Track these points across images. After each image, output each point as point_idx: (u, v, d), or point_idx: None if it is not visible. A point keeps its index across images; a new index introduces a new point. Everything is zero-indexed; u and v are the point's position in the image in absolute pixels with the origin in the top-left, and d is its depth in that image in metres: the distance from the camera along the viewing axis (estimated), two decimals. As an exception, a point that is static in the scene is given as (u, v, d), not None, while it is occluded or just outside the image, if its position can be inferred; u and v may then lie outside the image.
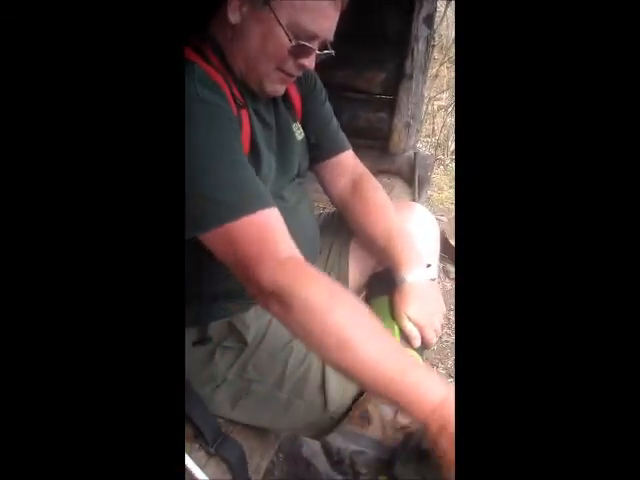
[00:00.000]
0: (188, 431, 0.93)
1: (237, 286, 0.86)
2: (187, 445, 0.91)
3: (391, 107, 2.57)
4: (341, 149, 1.17)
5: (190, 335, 0.97)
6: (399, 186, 2.63)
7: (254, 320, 0.98)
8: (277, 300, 0.75)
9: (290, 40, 0.85)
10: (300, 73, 0.93)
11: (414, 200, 2.62)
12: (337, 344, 0.73)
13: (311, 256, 1.04)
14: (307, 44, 0.87)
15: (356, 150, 1.25)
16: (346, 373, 0.76)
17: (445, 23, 5.82)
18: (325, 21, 0.87)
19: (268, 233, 0.78)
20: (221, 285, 0.94)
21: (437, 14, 2.94)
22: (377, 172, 2.41)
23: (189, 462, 0.88)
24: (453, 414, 0.65)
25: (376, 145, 2.61)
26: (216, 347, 0.97)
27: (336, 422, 0.94)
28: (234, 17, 0.87)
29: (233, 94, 0.88)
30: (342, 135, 1.19)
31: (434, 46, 3.24)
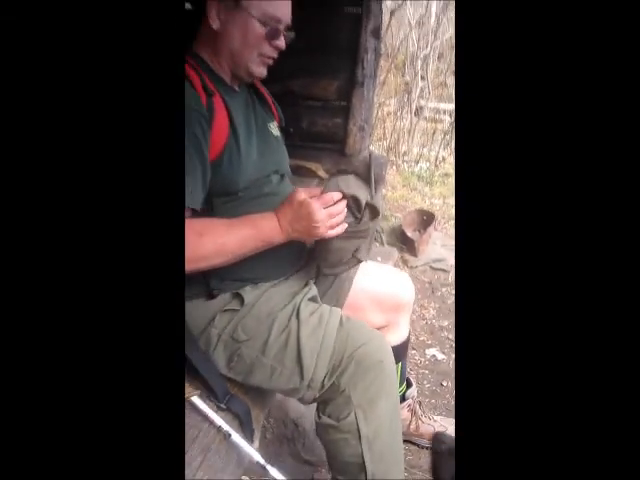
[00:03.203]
0: (201, 387, 1.10)
1: (245, 266, 1.06)
2: (201, 398, 1.08)
3: (345, 113, 2.68)
4: None
5: (196, 305, 1.14)
6: (357, 185, 2.81)
7: (250, 291, 1.16)
8: None
9: (264, 26, 1.08)
10: (276, 54, 1.15)
11: (371, 197, 2.82)
12: (215, 252, 1.03)
13: (291, 253, 1.23)
14: (277, 27, 1.10)
15: (316, 152, 1.43)
16: (233, 257, 1.06)
17: (390, 32, 6.10)
18: (284, 7, 1.12)
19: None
20: (229, 266, 1.10)
21: (382, 26, 3.16)
22: (337, 172, 2.61)
23: (209, 412, 1.05)
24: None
25: (334, 148, 2.73)
26: (217, 311, 1.13)
27: (317, 391, 1.08)
28: (215, 24, 1.09)
29: (204, 86, 1.07)
30: None
31: (381, 54, 3.46)
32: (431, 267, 2.97)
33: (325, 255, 1.20)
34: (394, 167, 5.11)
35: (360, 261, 1.23)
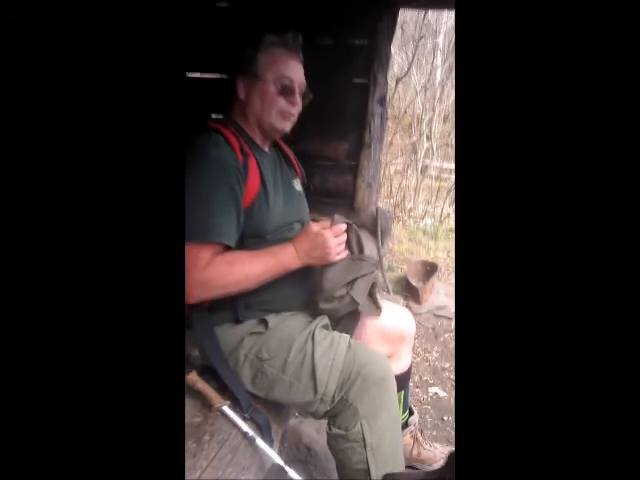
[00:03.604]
0: (221, 399, 1.28)
1: (267, 297, 1.27)
2: (231, 408, 1.26)
3: (355, 171, 2.94)
4: None
5: (226, 329, 1.35)
6: (365, 236, 3.04)
7: (273, 318, 1.36)
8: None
9: (278, 86, 1.34)
10: (294, 109, 1.39)
11: (378, 248, 3.03)
12: (243, 277, 1.25)
13: (304, 288, 1.43)
14: (286, 82, 1.35)
15: (327, 207, 1.67)
16: (257, 282, 1.28)
17: (397, 96, 6.49)
18: (295, 68, 1.38)
19: (200, 258, 1.20)
20: (254, 297, 1.32)
21: (389, 94, 3.48)
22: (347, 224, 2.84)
23: (237, 419, 1.23)
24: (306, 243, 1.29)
25: (344, 203, 2.97)
26: (245, 334, 1.34)
27: (328, 405, 1.27)
28: (242, 95, 1.37)
29: (241, 148, 1.31)
30: None
31: (387, 119, 3.76)
32: (434, 314, 3.16)
33: (321, 285, 1.37)
34: (400, 222, 5.36)
35: (356, 302, 1.40)
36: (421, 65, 7.07)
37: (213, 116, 2.88)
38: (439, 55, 7.28)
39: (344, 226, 1.34)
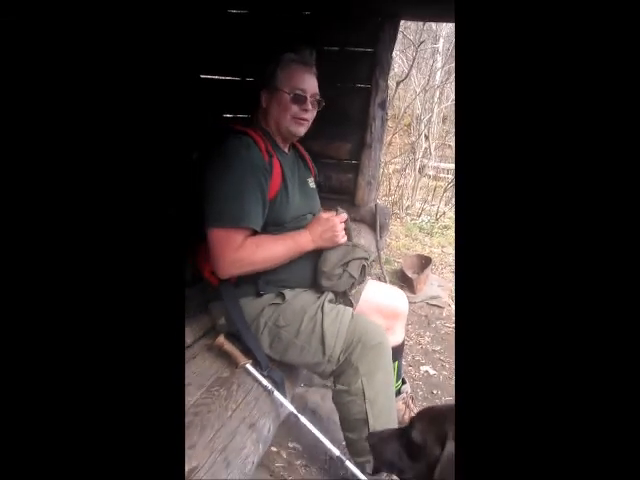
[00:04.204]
0: (245, 358, 1.52)
1: (283, 276, 1.52)
2: (252, 366, 1.51)
3: (356, 170, 3.17)
4: None
5: (248, 301, 1.60)
6: (364, 230, 3.27)
7: (289, 292, 1.61)
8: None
9: (289, 96, 1.57)
10: (307, 115, 1.63)
11: (376, 241, 3.27)
12: (267, 257, 1.51)
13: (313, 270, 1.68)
14: (299, 93, 1.59)
15: (330, 203, 1.92)
16: (279, 261, 1.54)
17: (397, 96, 6.71)
18: (308, 80, 1.62)
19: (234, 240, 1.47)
20: (272, 275, 1.57)
21: (390, 95, 3.71)
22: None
23: (258, 375, 1.48)
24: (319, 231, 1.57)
25: (345, 199, 3.18)
26: (266, 305, 1.59)
27: (334, 365, 1.53)
28: (264, 104, 1.61)
29: (267, 149, 1.55)
30: None
31: (387, 120, 3.99)
32: (427, 303, 3.42)
33: (322, 264, 1.62)
34: (398, 219, 5.60)
35: (353, 277, 1.65)
36: (421, 68, 7.30)
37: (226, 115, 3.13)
38: (439, 58, 7.52)
39: (346, 215, 1.63)
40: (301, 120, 1.63)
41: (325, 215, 1.59)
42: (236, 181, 1.45)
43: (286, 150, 1.70)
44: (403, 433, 1.19)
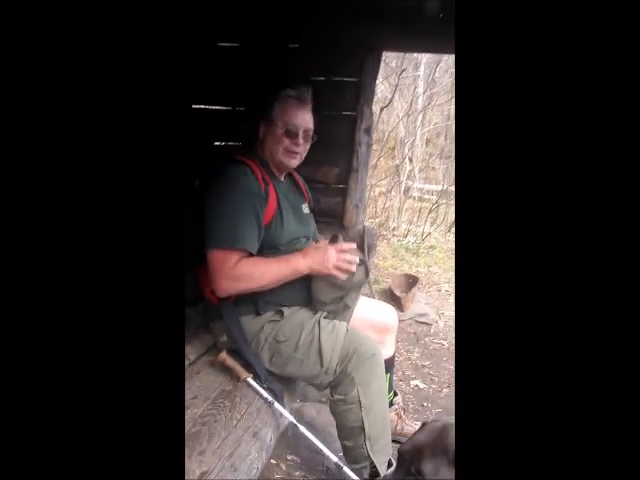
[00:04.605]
0: (246, 372, 1.61)
1: (280, 297, 1.62)
2: (253, 380, 1.60)
3: (344, 193, 3.27)
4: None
5: (248, 319, 1.69)
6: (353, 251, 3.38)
7: (287, 309, 1.71)
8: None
9: (282, 130, 1.68)
10: (298, 149, 1.73)
11: (364, 261, 3.38)
12: (261, 276, 1.58)
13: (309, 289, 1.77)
14: (292, 128, 1.70)
15: (319, 226, 2.03)
16: (273, 281, 1.60)
17: (381, 120, 6.90)
18: (301, 116, 1.72)
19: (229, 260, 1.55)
20: (271, 296, 1.67)
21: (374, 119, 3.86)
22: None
23: (259, 388, 1.57)
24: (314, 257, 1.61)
25: (334, 222, 3.27)
26: (265, 322, 1.68)
27: (331, 376, 1.63)
28: (262, 134, 1.73)
29: (263, 177, 1.66)
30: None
31: (372, 145, 4.14)
32: (416, 321, 3.53)
33: (315, 292, 1.71)
34: (385, 241, 5.73)
35: (348, 306, 1.76)
36: (403, 93, 7.51)
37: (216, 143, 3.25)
38: (420, 84, 7.75)
39: (350, 246, 1.64)
40: (293, 153, 1.74)
41: (320, 242, 1.67)
42: (233, 206, 1.56)
43: (282, 178, 1.81)
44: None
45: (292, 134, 1.71)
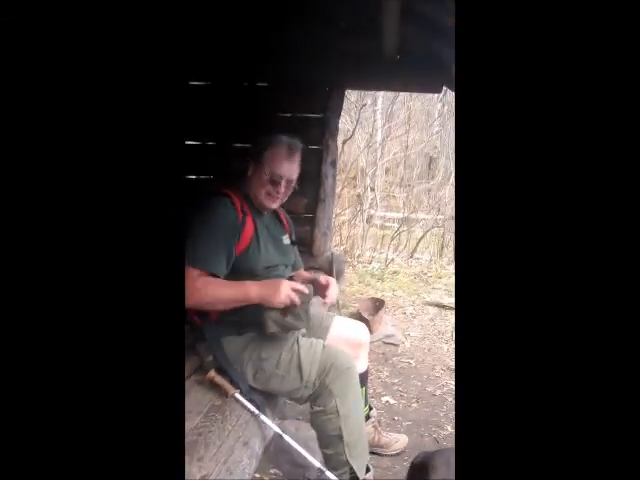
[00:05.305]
0: (233, 388, 1.75)
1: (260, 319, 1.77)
2: (238, 395, 1.73)
3: (312, 222, 3.47)
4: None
5: (232, 339, 1.83)
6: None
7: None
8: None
9: (267, 176, 1.84)
10: (279, 195, 1.89)
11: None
12: (217, 298, 1.69)
13: None
14: (274, 178, 1.85)
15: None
16: (227, 304, 1.72)
17: (344, 152, 7.16)
18: (287, 167, 1.87)
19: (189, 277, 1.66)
20: (253, 316, 1.81)
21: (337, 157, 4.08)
22: (307, 268, 3.34)
23: (240, 398, 1.71)
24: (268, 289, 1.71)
25: (304, 250, 3.31)
26: (247, 341, 1.83)
27: (310, 389, 1.78)
28: (249, 173, 1.89)
29: (242, 209, 1.82)
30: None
31: (336, 176, 4.35)
32: (384, 342, 3.71)
33: (263, 319, 1.77)
34: (351, 267, 5.93)
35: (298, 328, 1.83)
36: (363, 125, 7.83)
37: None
38: (379, 117, 8.12)
39: (305, 289, 1.74)
40: (273, 197, 1.89)
41: (278, 279, 1.76)
42: (208, 232, 1.72)
43: (264, 212, 1.98)
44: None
45: (275, 182, 1.86)
